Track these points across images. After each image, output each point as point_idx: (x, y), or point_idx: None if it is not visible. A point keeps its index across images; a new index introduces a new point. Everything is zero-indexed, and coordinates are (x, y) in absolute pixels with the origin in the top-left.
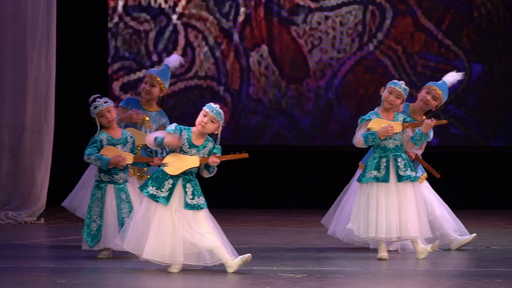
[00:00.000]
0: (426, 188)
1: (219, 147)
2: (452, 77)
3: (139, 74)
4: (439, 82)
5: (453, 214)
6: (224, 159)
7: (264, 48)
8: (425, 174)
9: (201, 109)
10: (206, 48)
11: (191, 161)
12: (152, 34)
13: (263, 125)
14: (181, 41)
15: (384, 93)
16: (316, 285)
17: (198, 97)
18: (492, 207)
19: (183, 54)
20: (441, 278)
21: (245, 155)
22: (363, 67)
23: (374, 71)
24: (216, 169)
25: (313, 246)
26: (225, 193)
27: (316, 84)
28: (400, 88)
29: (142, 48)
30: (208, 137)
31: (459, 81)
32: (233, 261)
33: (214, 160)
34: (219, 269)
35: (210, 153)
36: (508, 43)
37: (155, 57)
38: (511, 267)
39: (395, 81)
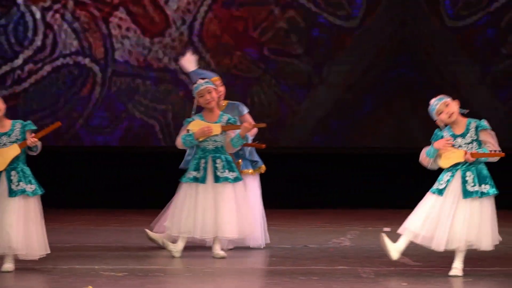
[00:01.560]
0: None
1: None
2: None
3: (5, 67)
4: None
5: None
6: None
7: (122, 10)
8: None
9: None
10: (65, 25)
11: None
12: (9, 26)
13: (135, 86)
14: (40, 24)
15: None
16: (137, 283)
17: (67, 75)
18: (310, 207)
19: (44, 37)
20: (260, 276)
21: (58, 124)
22: None
23: None
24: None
25: (134, 245)
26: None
27: (178, 31)
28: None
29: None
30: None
31: None
32: None
33: (32, 141)
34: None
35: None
36: None
37: (18, 48)
38: (328, 265)
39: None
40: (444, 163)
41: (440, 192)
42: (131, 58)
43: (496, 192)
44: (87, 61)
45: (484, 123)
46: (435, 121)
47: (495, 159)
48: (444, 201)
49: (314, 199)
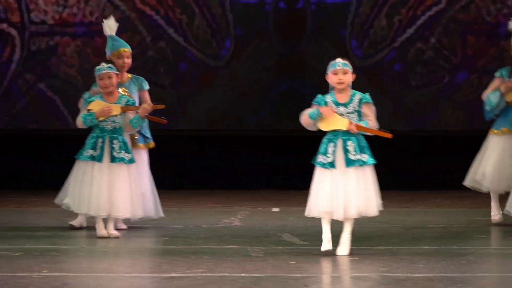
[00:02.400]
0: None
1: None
2: None
3: None
4: None
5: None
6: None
7: None
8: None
9: None
10: None
11: None
12: None
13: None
14: None
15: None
16: (33, 262)
17: None
18: (201, 188)
19: None
20: (152, 255)
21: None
22: None
23: None
24: None
25: (30, 225)
26: None
27: None
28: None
29: None
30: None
31: None
32: None
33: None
34: None
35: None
36: None
37: None
38: (218, 245)
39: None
40: (325, 126)
41: (332, 165)
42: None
43: (374, 162)
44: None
45: (368, 96)
46: (326, 75)
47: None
48: (333, 172)
49: (205, 180)
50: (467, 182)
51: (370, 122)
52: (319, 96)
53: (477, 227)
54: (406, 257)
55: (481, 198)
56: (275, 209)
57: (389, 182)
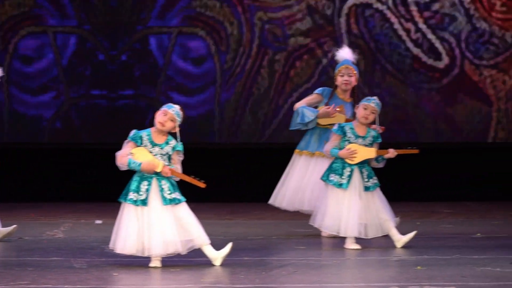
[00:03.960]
0: None
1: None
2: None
3: None
4: None
5: None
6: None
7: None
8: None
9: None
10: None
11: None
12: None
13: None
14: None
15: None
16: None
17: None
18: (22, 200)
19: None
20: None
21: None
22: None
23: None
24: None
25: None
26: None
27: None
28: None
29: None
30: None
31: None
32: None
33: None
34: None
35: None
36: None
37: None
38: (42, 257)
39: None
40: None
41: (144, 202)
42: None
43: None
44: None
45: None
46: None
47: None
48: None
49: (30, 192)
50: (271, 201)
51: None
52: (135, 131)
53: (296, 238)
54: (228, 268)
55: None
56: (98, 221)
57: (211, 195)
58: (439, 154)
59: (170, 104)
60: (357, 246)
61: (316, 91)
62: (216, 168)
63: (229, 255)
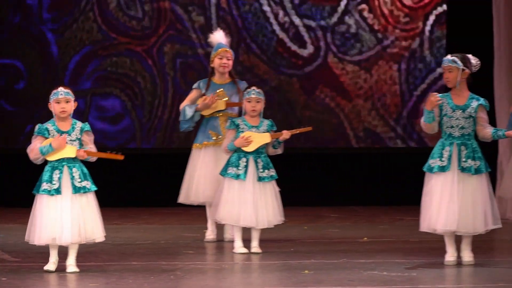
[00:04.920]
0: None
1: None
2: None
3: None
4: None
5: None
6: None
7: None
8: None
9: None
10: None
11: None
12: None
13: None
14: None
15: None
16: None
17: None
18: None
19: None
20: None
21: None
22: None
23: None
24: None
25: None
26: None
27: None
28: None
29: None
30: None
31: None
32: None
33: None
34: None
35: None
36: None
37: None
38: None
39: None
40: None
41: (58, 191)
42: None
43: (96, 189)
44: None
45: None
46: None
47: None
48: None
49: None
50: (182, 199)
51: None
52: (39, 125)
53: (185, 243)
54: (116, 273)
55: (188, 215)
56: None
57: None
58: (324, 158)
59: (56, 92)
60: (245, 250)
61: (193, 86)
62: (106, 174)
63: (116, 259)
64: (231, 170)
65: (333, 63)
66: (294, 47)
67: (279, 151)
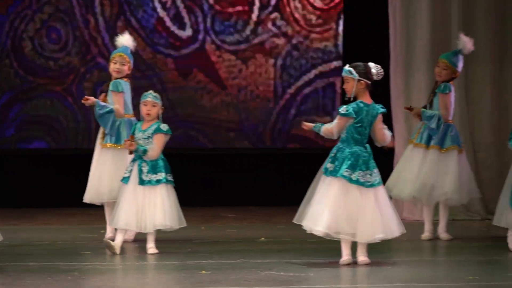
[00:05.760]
0: None
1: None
2: None
3: None
4: None
5: None
6: None
7: None
8: None
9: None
10: None
11: None
12: None
13: None
14: None
15: None
16: None
17: None
18: None
19: None
20: None
21: None
22: None
23: None
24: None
25: None
26: None
27: None
28: None
29: None
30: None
31: None
32: None
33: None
34: None
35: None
36: None
37: None
38: None
39: None
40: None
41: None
42: None
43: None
44: None
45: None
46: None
47: None
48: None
49: None
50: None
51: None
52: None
53: (83, 243)
54: (13, 274)
55: (85, 215)
56: None
57: None
58: (221, 158)
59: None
60: (156, 251)
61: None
62: (1, 175)
63: (13, 260)
64: (125, 174)
65: (210, 49)
66: (173, 28)
67: (147, 158)
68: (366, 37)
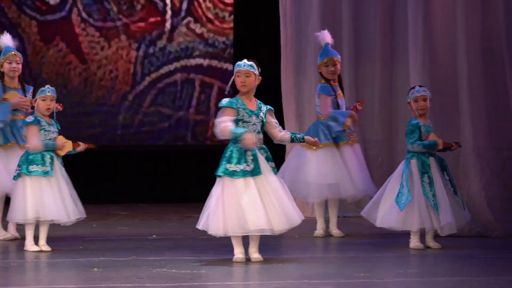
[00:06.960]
0: None
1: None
2: None
3: None
4: None
5: None
6: None
7: None
8: None
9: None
10: None
11: None
12: None
13: None
14: None
15: None
16: None
17: None
18: None
19: None
20: None
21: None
22: None
23: None
24: None
25: None
26: None
27: None
28: None
29: None
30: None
31: None
32: None
33: None
34: None
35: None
36: None
37: None
38: None
39: None
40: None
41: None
42: None
43: None
44: None
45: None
46: None
47: None
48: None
49: None
50: None
51: None
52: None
53: None
54: None
55: None
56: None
57: None
58: (112, 155)
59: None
60: (49, 248)
61: None
62: None
63: None
64: (36, 168)
65: (76, 21)
66: None
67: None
68: (257, 35)
